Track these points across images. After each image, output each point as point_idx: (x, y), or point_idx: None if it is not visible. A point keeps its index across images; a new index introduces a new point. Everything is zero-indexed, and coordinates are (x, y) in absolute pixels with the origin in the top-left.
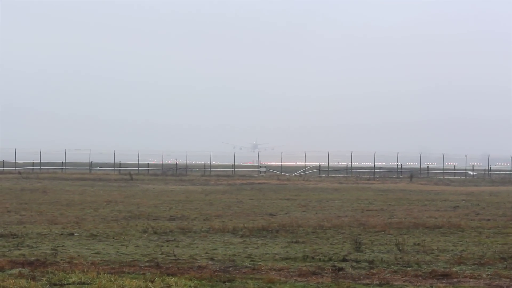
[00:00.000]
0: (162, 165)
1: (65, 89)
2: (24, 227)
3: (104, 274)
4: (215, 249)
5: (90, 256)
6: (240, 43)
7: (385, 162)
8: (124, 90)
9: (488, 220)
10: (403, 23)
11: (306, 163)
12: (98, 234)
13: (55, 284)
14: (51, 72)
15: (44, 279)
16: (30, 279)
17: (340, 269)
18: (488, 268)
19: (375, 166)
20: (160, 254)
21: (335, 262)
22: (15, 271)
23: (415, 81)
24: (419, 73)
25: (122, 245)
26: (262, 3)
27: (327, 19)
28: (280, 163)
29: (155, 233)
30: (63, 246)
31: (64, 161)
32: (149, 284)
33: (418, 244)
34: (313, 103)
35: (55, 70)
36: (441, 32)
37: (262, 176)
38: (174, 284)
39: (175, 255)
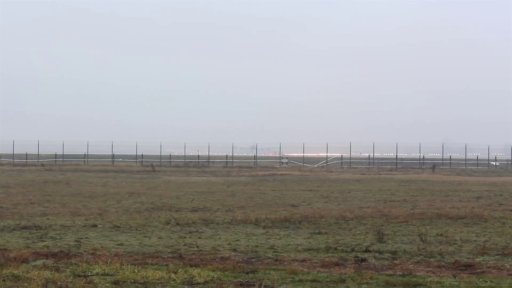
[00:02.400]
0: (184, 157)
1: (88, 85)
2: (48, 218)
3: (128, 265)
4: (237, 240)
5: (113, 248)
6: (240, 48)
7: (407, 153)
8: (138, 94)
9: (511, 210)
10: (408, 28)
11: (328, 154)
12: (121, 226)
13: (79, 275)
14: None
15: (68, 270)
16: (54, 271)
17: (363, 260)
18: None
19: (398, 157)
20: (183, 246)
21: (358, 253)
22: (39, 262)
23: (432, 83)
24: (433, 76)
25: (145, 236)
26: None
27: (327, 24)
28: (302, 154)
29: (178, 224)
30: (86, 237)
31: (86, 153)
32: (172, 275)
33: (441, 235)
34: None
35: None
36: (446, 38)
37: (284, 167)
38: (197, 275)
39: (198, 246)
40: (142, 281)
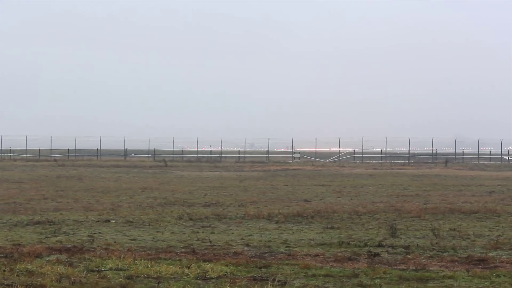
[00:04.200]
0: (197, 152)
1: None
2: (61, 214)
3: (141, 260)
4: (250, 235)
5: (126, 243)
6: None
7: (420, 147)
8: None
9: None
10: (420, 28)
11: (340, 149)
12: (134, 221)
13: (93, 271)
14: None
15: (82, 265)
16: (68, 266)
17: (376, 254)
18: None
19: (410, 151)
20: (196, 240)
21: (371, 248)
22: (52, 257)
23: (443, 82)
24: (444, 76)
25: (158, 231)
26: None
27: (340, 23)
28: (315, 149)
29: (191, 219)
30: (99, 232)
31: (99, 148)
32: (186, 270)
33: (454, 230)
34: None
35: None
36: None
37: (297, 162)
38: (210, 270)
39: (210, 241)
40: (155, 276)
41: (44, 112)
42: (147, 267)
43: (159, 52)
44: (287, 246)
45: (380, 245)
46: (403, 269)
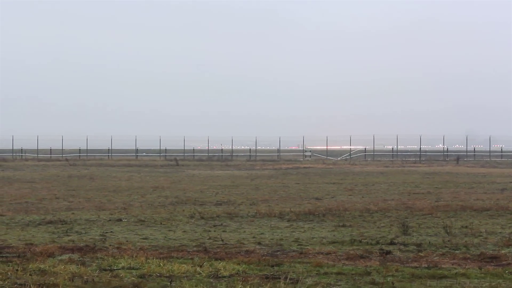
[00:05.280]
0: (208, 151)
1: (114, 80)
2: (73, 213)
3: (153, 259)
4: (262, 233)
5: (138, 242)
6: (237, 34)
7: (431, 145)
8: (146, 82)
9: None
10: (427, 14)
11: (351, 147)
12: (146, 220)
13: (105, 270)
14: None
15: (94, 264)
16: (80, 265)
17: (388, 252)
18: None
19: (421, 149)
20: (208, 239)
21: (383, 246)
22: (65, 257)
23: (454, 69)
24: (454, 62)
25: (169, 230)
26: None
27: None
28: (326, 147)
29: (202, 218)
30: (111, 231)
31: (110, 148)
32: (198, 268)
33: (466, 227)
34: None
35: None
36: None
37: (308, 160)
38: (222, 268)
39: (222, 240)
40: (167, 274)
41: (55, 112)
42: (159, 266)
43: (166, 49)
44: (299, 244)
45: (392, 243)
46: (415, 267)
